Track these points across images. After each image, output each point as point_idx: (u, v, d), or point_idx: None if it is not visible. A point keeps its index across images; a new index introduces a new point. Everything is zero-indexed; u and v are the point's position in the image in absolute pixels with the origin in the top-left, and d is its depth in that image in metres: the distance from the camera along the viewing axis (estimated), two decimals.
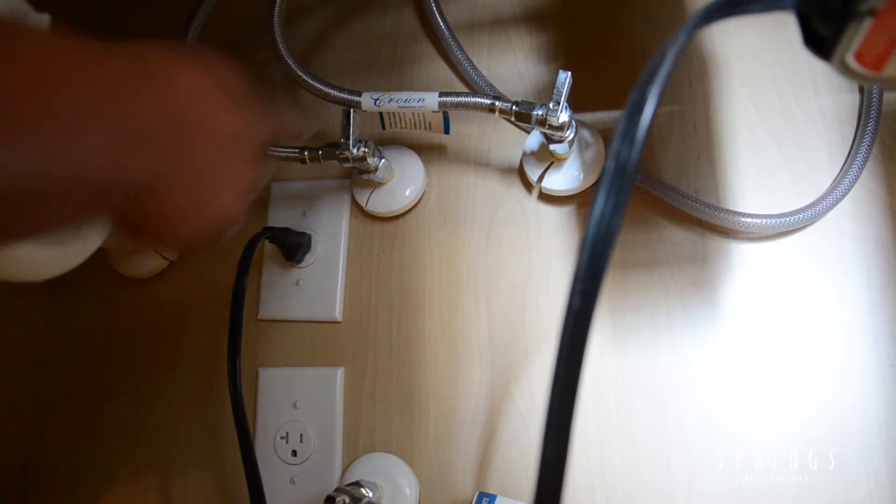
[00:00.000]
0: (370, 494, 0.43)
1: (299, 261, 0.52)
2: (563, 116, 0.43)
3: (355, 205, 0.54)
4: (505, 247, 0.51)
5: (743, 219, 0.45)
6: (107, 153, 0.24)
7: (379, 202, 0.52)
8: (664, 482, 0.43)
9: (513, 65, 0.55)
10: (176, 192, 0.29)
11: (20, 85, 0.21)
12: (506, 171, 0.52)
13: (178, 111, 0.28)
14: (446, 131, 0.49)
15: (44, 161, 0.22)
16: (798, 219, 0.44)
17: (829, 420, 0.42)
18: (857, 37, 0.22)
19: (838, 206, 0.45)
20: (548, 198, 0.51)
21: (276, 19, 0.56)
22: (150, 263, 0.55)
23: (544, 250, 0.50)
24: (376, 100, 0.47)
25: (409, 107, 0.46)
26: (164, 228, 0.30)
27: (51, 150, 0.22)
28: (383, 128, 0.50)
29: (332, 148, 0.47)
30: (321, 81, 0.50)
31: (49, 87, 0.22)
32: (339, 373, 0.50)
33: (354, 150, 0.46)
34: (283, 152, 0.49)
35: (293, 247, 0.51)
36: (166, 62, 0.29)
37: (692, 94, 0.51)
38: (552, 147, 0.46)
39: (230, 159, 0.32)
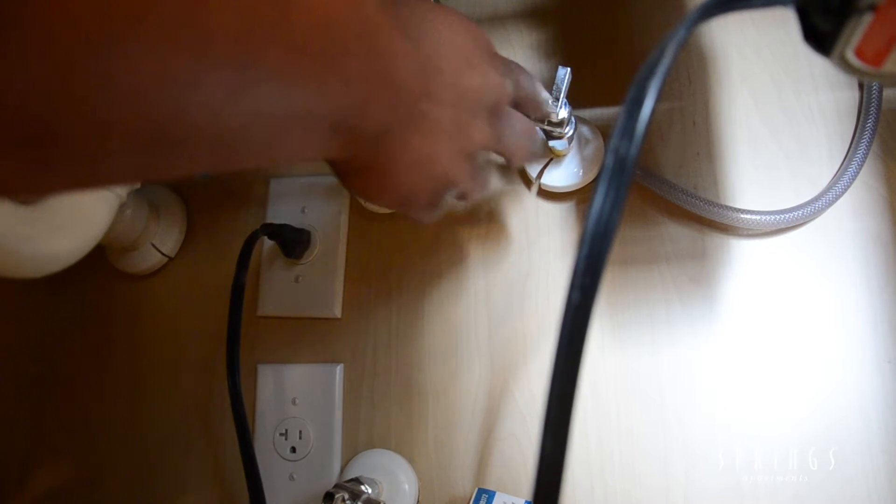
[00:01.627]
0: (369, 491, 0.44)
1: (298, 257, 0.52)
2: (563, 113, 0.43)
3: (354, 201, 0.54)
4: (504, 243, 0.51)
5: (742, 215, 0.45)
6: (351, 93, 0.23)
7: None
8: (662, 478, 0.43)
9: None
10: (409, 141, 0.28)
11: (302, 9, 0.20)
12: (505, 167, 0.52)
13: (426, 59, 0.28)
14: None
15: (306, 92, 0.22)
16: (797, 215, 0.44)
17: (828, 418, 0.42)
18: (857, 32, 0.22)
19: (838, 202, 0.45)
20: (547, 194, 0.50)
21: None
22: (148, 260, 0.55)
23: (544, 247, 0.50)
24: None
25: None
26: (389, 179, 0.30)
27: (315, 83, 0.22)
28: None
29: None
30: None
31: (327, 16, 0.21)
32: (339, 369, 0.50)
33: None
34: None
35: (292, 243, 0.51)
36: (421, 9, 0.30)
37: (692, 91, 0.51)
38: (551, 143, 0.46)
39: (462, 118, 0.31)
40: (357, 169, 0.29)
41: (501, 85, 0.34)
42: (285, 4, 0.19)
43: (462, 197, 0.36)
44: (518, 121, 0.37)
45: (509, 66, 0.37)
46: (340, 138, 0.25)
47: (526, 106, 0.39)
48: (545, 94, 0.41)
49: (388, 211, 0.52)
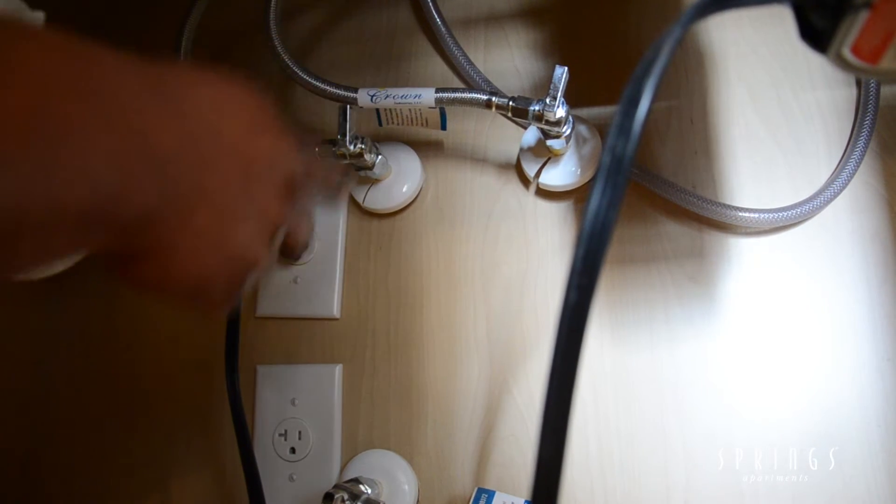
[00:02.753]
0: (369, 491, 0.43)
1: (297, 258, 0.52)
2: (560, 112, 0.43)
3: (352, 201, 0.54)
4: (502, 243, 0.51)
5: (740, 213, 0.45)
6: (108, 174, 0.20)
7: (376, 199, 0.52)
8: (662, 478, 0.43)
9: (509, 60, 0.55)
10: (188, 223, 0.24)
11: (12, 92, 0.18)
12: (503, 166, 0.52)
13: (196, 131, 0.24)
14: (443, 127, 0.49)
15: (35, 182, 0.18)
16: (795, 213, 0.44)
17: (828, 417, 0.42)
18: (854, 29, 0.22)
19: (836, 200, 0.45)
20: (545, 193, 0.50)
21: (271, 16, 0.56)
22: None
23: (542, 246, 0.50)
24: (373, 96, 0.46)
25: (405, 103, 0.46)
26: (172, 267, 0.25)
27: (44, 168, 0.18)
28: (380, 124, 0.50)
29: (328, 144, 0.47)
30: (317, 78, 0.50)
31: (46, 95, 0.18)
32: (338, 370, 0.50)
33: (351, 147, 0.46)
34: None
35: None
36: (186, 78, 0.25)
37: (689, 90, 0.51)
38: (549, 143, 0.46)
39: (254, 188, 0.27)
40: (131, 258, 0.24)
41: (291, 154, 0.30)
42: None
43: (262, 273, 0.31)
44: (306, 193, 0.32)
45: (299, 136, 0.32)
46: (98, 230, 0.21)
47: (312, 182, 0.35)
48: (342, 172, 0.37)
49: (387, 211, 0.52)
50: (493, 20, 0.56)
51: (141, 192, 0.22)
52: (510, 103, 0.44)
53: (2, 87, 0.17)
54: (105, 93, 0.20)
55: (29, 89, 0.18)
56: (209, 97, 0.26)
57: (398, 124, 0.49)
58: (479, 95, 0.45)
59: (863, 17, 0.21)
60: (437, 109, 0.47)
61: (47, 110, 0.18)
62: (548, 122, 0.44)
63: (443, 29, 0.54)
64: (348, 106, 0.47)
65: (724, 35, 0.51)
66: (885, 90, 0.47)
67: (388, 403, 0.49)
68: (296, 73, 0.49)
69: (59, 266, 0.40)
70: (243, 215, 0.27)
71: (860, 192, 0.46)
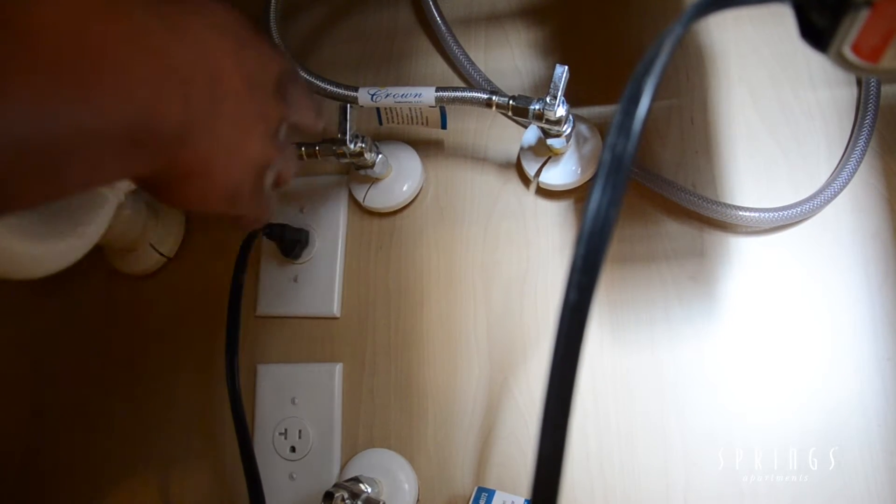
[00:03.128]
0: (369, 490, 0.44)
1: (297, 257, 0.52)
2: (560, 111, 0.43)
3: (353, 200, 0.54)
4: (503, 242, 0.51)
5: (741, 213, 0.45)
6: (139, 98, 0.22)
7: (376, 198, 0.52)
8: (662, 478, 0.43)
9: (510, 59, 0.55)
10: (215, 137, 0.27)
11: (47, 25, 0.19)
12: (503, 166, 0.52)
13: (201, 54, 0.27)
14: (443, 126, 0.49)
15: (77, 109, 0.20)
16: (796, 212, 0.44)
17: (828, 416, 0.42)
18: (854, 28, 0.22)
19: (836, 199, 0.45)
20: (545, 192, 0.50)
21: (272, 14, 0.56)
22: (147, 260, 0.55)
23: (542, 245, 0.50)
24: (373, 95, 0.46)
25: (405, 102, 0.46)
26: (210, 181, 0.28)
27: (90, 89, 0.21)
28: (380, 123, 0.50)
29: (329, 144, 0.47)
30: (318, 77, 0.50)
31: (78, 28, 0.20)
32: (338, 369, 0.50)
33: (352, 146, 0.46)
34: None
35: (291, 243, 0.51)
36: (183, 7, 0.28)
37: (690, 89, 0.51)
38: (549, 142, 0.46)
39: (254, 94, 0.30)
40: (175, 178, 0.27)
41: (279, 56, 0.33)
42: (20, 29, 0.19)
43: (279, 181, 0.36)
44: (297, 86, 0.36)
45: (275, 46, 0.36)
46: (144, 149, 0.24)
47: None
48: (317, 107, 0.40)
49: (388, 210, 0.52)
50: (493, 19, 0.56)
51: (172, 109, 0.24)
52: (510, 102, 0.44)
53: (36, 24, 0.19)
54: (128, 17, 0.22)
55: (70, 13, 0.20)
56: (206, 21, 0.28)
57: (398, 123, 0.49)
58: (479, 94, 0.45)
59: (863, 15, 0.21)
60: (438, 108, 0.47)
61: (87, 33, 0.20)
62: (548, 122, 0.44)
63: (443, 28, 0.54)
64: (348, 105, 0.47)
65: (724, 34, 0.51)
66: (886, 89, 0.47)
67: (388, 402, 0.49)
68: None
69: (70, 258, 0.40)
70: (252, 120, 0.30)
71: (861, 192, 0.46)
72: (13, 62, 0.18)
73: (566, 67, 0.43)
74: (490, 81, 0.53)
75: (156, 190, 0.28)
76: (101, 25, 0.21)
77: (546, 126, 0.44)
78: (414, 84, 0.52)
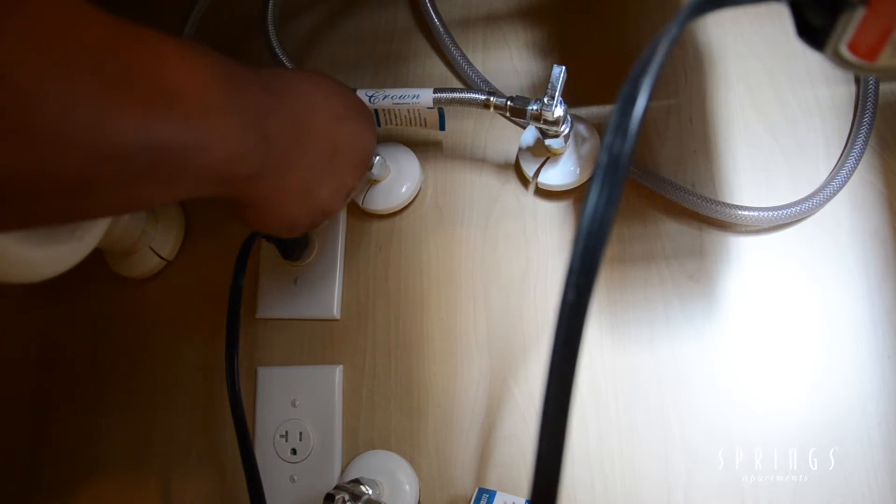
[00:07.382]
0: (370, 492, 0.43)
1: (297, 259, 0.52)
2: (558, 111, 0.43)
3: (352, 202, 0.54)
4: (502, 242, 0.51)
5: (740, 212, 0.45)
6: (236, 146, 0.29)
7: (375, 199, 0.52)
8: (663, 477, 0.43)
9: (508, 60, 0.55)
10: (281, 183, 0.34)
11: (185, 89, 0.26)
12: (502, 166, 0.52)
13: (297, 117, 0.34)
14: (442, 128, 0.49)
15: (198, 150, 0.27)
16: (795, 211, 0.44)
17: (828, 415, 0.42)
18: (851, 26, 0.22)
19: (835, 197, 0.45)
20: (544, 193, 0.50)
21: (269, 17, 0.56)
22: (147, 263, 0.55)
23: (541, 245, 0.50)
24: (371, 97, 0.47)
25: (403, 103, 0.46)
26: (268, 214, 0.36)
27: (199, 142, 0.27)
28: (378, 125, 0.50)
29: None
30: None
31: (203, 92, 0.27)
32: (338, 370, 0.50)
33: None
34: None
35: (290, 245, 0.51)
36: (292, 79, 0.36)
37: (688, 88, 0.51)
38: (548, 142, 0.46)
39: (336, 161, 0.37)
40: (244, 205, 0.35)
41: (368, 138, 0.40)
42: (170, 89, 0.26)
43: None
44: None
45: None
46: (224, 182, 0.31)
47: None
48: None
49: (387, 211, 0.52)
50: (491, 20, 0.56)
51: (253, 160, 0.31)
52: (508, 103, 0.44)
53: (187, 75, 0.27)
54: (240, 89, 0.30)
55: (200, 82, 0.27)
56: (304, 93, 0.36)
57: (397, 125, 0.49)
58: (477, 95, 0.45)
59: (859, 14, 0.21)
60: (436, 109, 0.47)
61: (209, 94, 0.27)
62: (546, 122, 0.44)
63: (441, 29, 0.54)
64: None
65: (722, 34, 0.51)
66: (884, 87, 0.47)
67: (388, 404, 0.49)
68: None
69: (70, 261, 0.40)
70: (325, 180, 0.38)
71: (859, 190, 0.46)
72: (166, 111, 0.26)
73: (563, 68, 0.43)
74: (488, 82, 0.53)
75: (230, 208, 0.35)
76: (218, 95, 0.28)
77: (544, 126, 0.44)
78: (412, 85, 0.52)
